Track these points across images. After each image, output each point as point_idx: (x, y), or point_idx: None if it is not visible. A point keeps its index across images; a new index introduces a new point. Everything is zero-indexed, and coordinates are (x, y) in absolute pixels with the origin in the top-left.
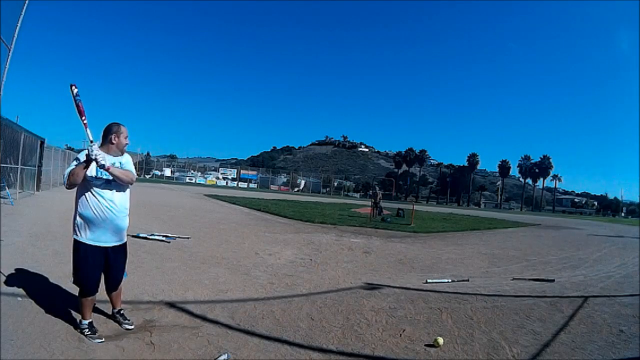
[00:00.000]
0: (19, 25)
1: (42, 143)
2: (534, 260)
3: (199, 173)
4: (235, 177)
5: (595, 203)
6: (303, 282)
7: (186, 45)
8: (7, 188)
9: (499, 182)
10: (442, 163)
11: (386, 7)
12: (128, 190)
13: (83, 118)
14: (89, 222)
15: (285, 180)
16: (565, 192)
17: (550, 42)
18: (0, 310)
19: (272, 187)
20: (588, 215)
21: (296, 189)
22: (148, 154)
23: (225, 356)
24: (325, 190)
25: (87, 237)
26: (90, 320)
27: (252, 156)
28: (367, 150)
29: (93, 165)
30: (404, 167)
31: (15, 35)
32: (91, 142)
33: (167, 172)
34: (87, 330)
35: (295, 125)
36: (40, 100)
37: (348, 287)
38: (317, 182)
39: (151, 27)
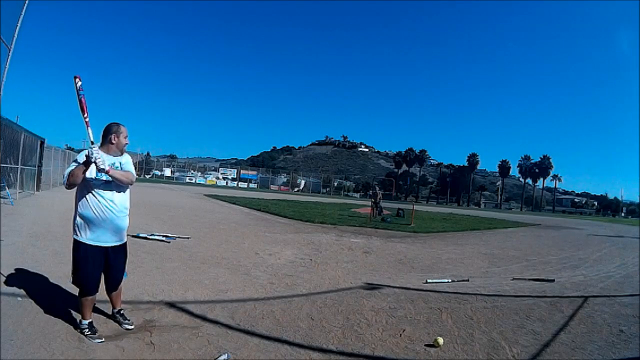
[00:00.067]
0: (19, 25)
1: (42, 143)
2: (534, 260)
3: (199, 173)
4: (235, 177)
5: (595, 203)
6: (303, 282)
7: (186, 45)
8: (7, 188)
9: (499, 182)
10: (442, 163)
11: (386, 7)
12: (128, 190)
13: (85, 116)
14: (89, 222)
15: (285, 180)
16: (565, 192)
17: (550, 42)
18: (0, 310)
19: (272, 187)
20: (588, 215)
21: (296, 189)
22: (148, 154)
23: (225, 356)
24: (325, 190)
25: (87, 237)
26: (90, 320)
27: (252, 156)
28: (367, 150)
29: (93, 166)
30: (404, 167)
31: (15, 35)
32: (92, 143)
33: (167, 172)
34: (87, 330)
35: (295, 125)
36: (40, 100)
37: (348, 287)
38: (317, 182)
39: (151, 27)
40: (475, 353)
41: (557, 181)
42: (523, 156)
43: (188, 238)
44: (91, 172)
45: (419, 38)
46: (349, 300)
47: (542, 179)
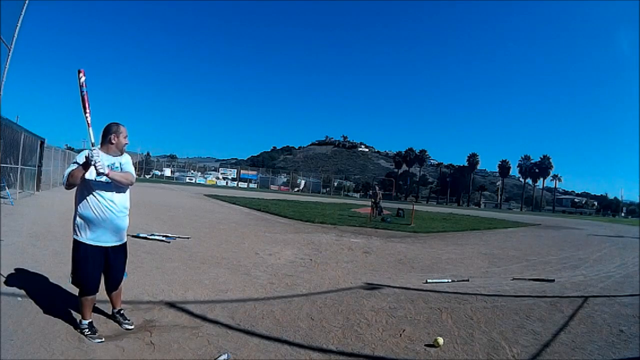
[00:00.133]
0: (19, 25)
1: (42, 143)
2: (534, 260)
3: (199, 173)
4: (235, 177)
5: (595, 203)
6: (303, 282)
7: (186, 45)
8: (7, 188)
9: (499, 182)
10: (442, 163)
11: (386, 7)
12: (128, 190)
13: (87, 115)
14: (89, 222)
15: (285, 180)
16: (565, 192)
17: (550, 42)
18: (0, 310)
19: (272, 187)
20: (588, 215)
21: (296, 189)
22: (148, 154)
23: (225, 356)
24: (325, 190)
25: (87, 237)
26: (90, 320)
27: (252, 156)
28: (367, 150)
29: (93, 167)
30: (404, 167)
31: (15, 35)
32: (92, 144)
33: (167, 172)
34: (87, 330)
35: (295, 125)
36: (40, 100)
37: (348, 287)
38: (317, 182)
39: (151, 27)
40: (475, 353)
41: (557, 181)
42: (523, 156)
43: (188, 238)
44: (91, 174)
45: (419, 38)
46: (349, 300)
47: (542, 179)
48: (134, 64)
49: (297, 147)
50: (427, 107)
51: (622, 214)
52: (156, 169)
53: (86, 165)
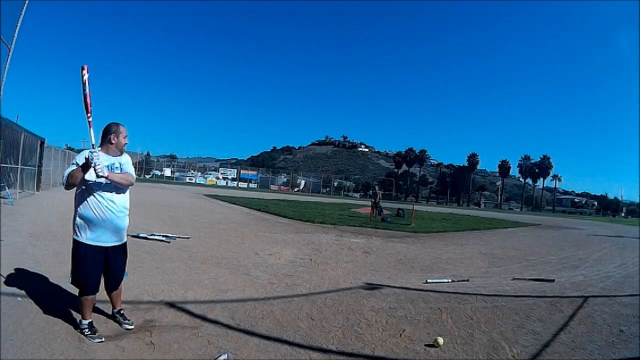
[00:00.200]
0: (19, 25)
1: (42, 143)
2: (534, 260)
3: (199, 173)
4: (235, 177)
5: (595, 203)
6: (303, 282)
7: (186, 45)
8: (7, 188)
9: (499, 182)
10: (442, 163)
11: (386, 7)
12: (128, 190)
13: (89, 115)
14: (89, 222)
15: (285, 180)
16: (565, 192)
17: (550, 42)
18: (0, 310)
19: (272, 187)
20: (588, 215)
21: (296, 189)
22: (148, 154)
23: (225, 356)
24: (325, 190)
25: (87, 237)
26: (90, 320)
27: (252, 156)
28: (367, 150)
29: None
30: (404, 167)
31: (15, 35)
32: (92, 146)
33: (167, 172)
34: (87, 330)
35: (295, 125)
36: (40, 100)
37: (348, 287)
38: (317, 182)
39: (151, 27)
40: (475, 353)
41: (557, 181)
42: (523, 156)
43: (188, 238)
44: (90, 175)
45: (419, 38)
46: (349, 300)
47: (542, 179)
48: (134, 63)
49: (297, 147)
50: (427, 107)
51: (622, 214)
52: (156, 169)
53: (85, 166)
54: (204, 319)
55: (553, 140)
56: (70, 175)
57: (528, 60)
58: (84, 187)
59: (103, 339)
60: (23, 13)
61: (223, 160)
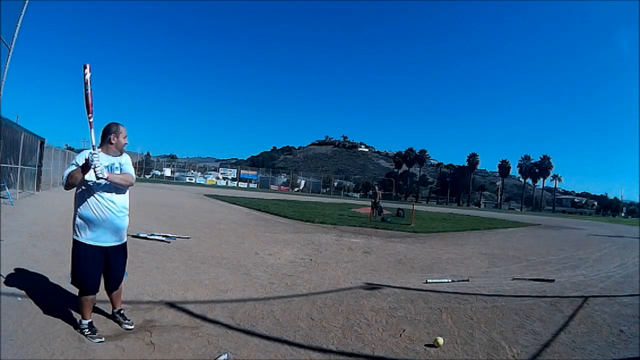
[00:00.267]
0: (19, 25)
1: (42, 143)
2: (534, 260)
3: (199, 173)
4: (235, 177)
5: (595, 203)
6: (303, 282)
7: (186, 45)
8: (7, 188)
9: (499, 182)
10: (442, 163)
11: (386, 6)
12: (128, 190)
13: (90, 115)
14: (89, 222)
15: (285, 180)
16: (565, 192)
17: (550, 42)
18: (0, 310)
19: (272, 187)
20: (588, 215)
21: (296, 189)
22: (148, 154)
23: (225, 356)
24: (325, 190)
25: (87, 237)
26: (90, 320)
27: (252, 156)
28: (367, 150)
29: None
30: (404, 167)
31: (15, 35)
32: (93, 147)
33: (167, 172)
34: (87, 330)
35: (295, 125)
36: (40, 100)
37: (348, 287)
38: (317, 182)
39: (151, 27)
40: (475, 353)
41: (557, 181)
42: (523, 156)
43: (188, 238)
44: (90, 176)
45: (419, 38)
46: (349, 300)
47: (542, 179)
48: (134, 63)
49: (297, 147)
50: (427, 107)
51: (622, 214)
52: (156, 169)
53: (85, 167)
54: (204, 319)
55: (553, 140)
56: (70, 175)
57: (528, 60)
58: (83, 187)
59: (103, 339)
60: (23, 13)
61: (223, 160)
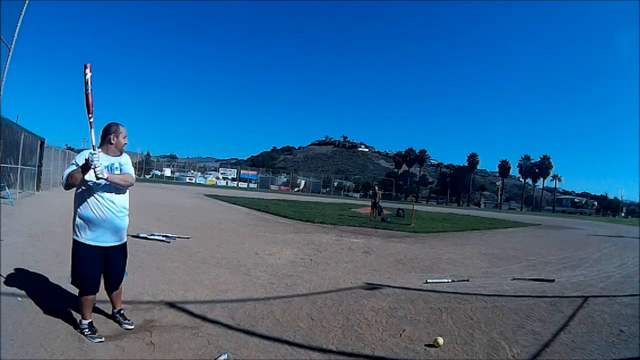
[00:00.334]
0: (19, 25)
1: (42, 143)
2: (534, 260)
3: (199, 173)
4: (235, 177)
5: (595, 203)
6: (303, 282)
7: (186, 45)
8: (7, 188)
9: (499, 182)
10: (442, 163)
11: (386, 6)
12: (127, 190)
13: (90, 116)
14: (88, 222)
15: (285, 180)
16: (565, 192)
17: (550, 42)
18: (0, 310)
19: (272, 187)
20: (588, 215)
21: (296, 189)
22: (148, 154)
23: (225, 356)
24: (325, 190)
25: (87, 237)
26: (90, 320)
27: (252, 156)
28: (367, 150)
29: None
30: (404, 167)
31: (15, 35)
32: (93, 147)
33: (167, 172)
34: (87, 330)
35: (295, 125)
36: (40, 100)
37: (348, 287)
38: (317, 182)
39: (151, 27)
40: (475, 353)
41: (557, 181)
42: (523, 156)
43: (188, 238)
44: (90, 176)
45: (419, 38)
46: (349, 300)
47: (542, 179)
48: (134, 63)
49: (297, 147)
50: (427, 107)
51: (622, 214)
52: (156, 169)
53: (85, 167)
54: (204, 319)
55: (553, 140)
56: (69, 175)
57: (528, 60)
58: (83, 188)
59: (103, 339)
60: (23, 13)
61: (223, 160)
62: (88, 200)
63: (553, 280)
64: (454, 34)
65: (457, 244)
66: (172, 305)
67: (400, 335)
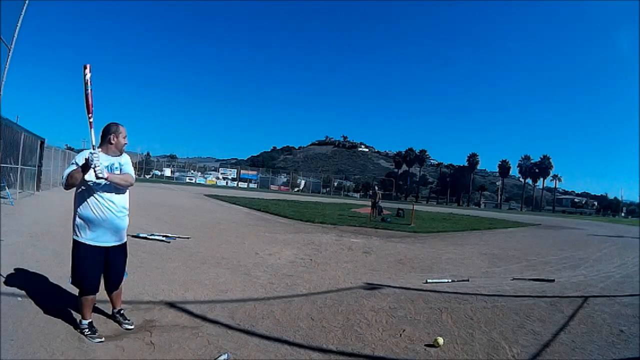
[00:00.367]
0: (19, 25)
1: (42, 143)
2: (534, 260)
3: (199, 173)
4: (235, 177)
5: (595, 203)
6: (303, 282)
7: (186, 45)
8: (7, 188)
9: (499, 182)
10: (442, 163)
11: (386, 6)
12: (127, 190)
13: (90, 115)
14: (88, 222)
15: (285, 180)
16: (565, 192)
17: (550, 42)
18: (0, 310)
19: (272, 187)
20: (588, 215)
21: (296, 189)
22: (148, 154)
23: (225, 356)
24: (325, 190)
25: (87, 237)
26: (90, 320)
27: (252, 156)
28: (367, 150)
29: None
30: (404, 167)
31: (15, 35)
32: (93, 147)
33: (167, 172)
34: (87, 330)
35: (295, 125)
36: (40, 100)
37: (348, 287)
38: (317, 182)
39: (151, 27)
40: (475, 353)
41: (557, 181)
42: (523, 156)
43: (188, 238)
44: (90, 176)
45: (419, 38)
46: (349, 300)
47: (542, 179)
48: (134, 63)
49: (297, 147)
50: (427, 107)
51: (622, 214)
52: (156, 169)
53: (85, 167)
54: (204, 319)
55: (553, 140)
56: (69, 175)
57: (528, 60)
58: (83, 187)
59: (103, 339)
60: (23, 13)
61: (223, 160)
62: (88, 200)
63: (553, 280)
64: (454, 34)
65: (457, 244)
66: (172, 305)
67: (400, 335)
